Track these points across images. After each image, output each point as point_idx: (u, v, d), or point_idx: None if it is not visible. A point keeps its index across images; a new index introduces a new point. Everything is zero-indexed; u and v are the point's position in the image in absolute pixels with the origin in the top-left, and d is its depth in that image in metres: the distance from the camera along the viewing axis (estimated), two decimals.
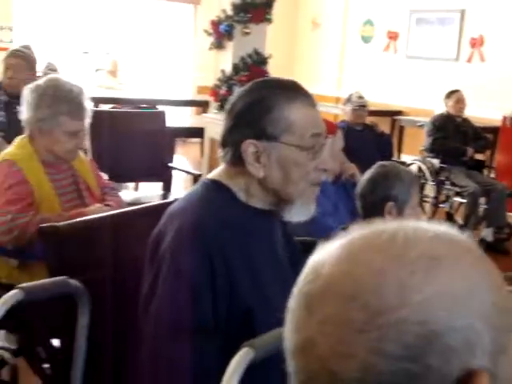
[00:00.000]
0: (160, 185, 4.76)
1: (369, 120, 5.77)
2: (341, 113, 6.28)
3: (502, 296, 0.60)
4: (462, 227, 5.25)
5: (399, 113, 8.87)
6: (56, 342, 2.02)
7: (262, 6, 6.30)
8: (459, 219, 5.91)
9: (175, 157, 5.23)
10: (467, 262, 0.61)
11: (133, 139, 4.52)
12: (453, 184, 5.87)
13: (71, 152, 2.57)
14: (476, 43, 8.07)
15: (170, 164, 4.76)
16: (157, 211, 1.72)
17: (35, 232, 2.13)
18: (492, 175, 6.64)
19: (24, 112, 2.54)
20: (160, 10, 10.21)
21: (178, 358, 1.41)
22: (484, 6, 7.93)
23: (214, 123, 6.08)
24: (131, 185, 5.61)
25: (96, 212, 2.33)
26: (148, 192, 5.19)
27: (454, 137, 5.93)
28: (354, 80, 9.43)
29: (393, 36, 9.19)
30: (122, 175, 4.30)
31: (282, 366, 0.65)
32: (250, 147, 1.48)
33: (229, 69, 6.41)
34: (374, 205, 2.29)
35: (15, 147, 2.56)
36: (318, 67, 10.19)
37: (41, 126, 2.50)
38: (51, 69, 6.46)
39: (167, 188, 4.67)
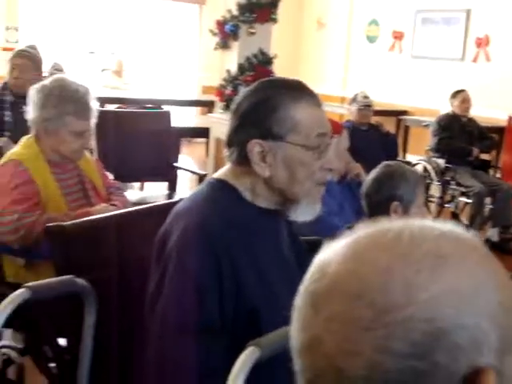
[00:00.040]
0: (165, 185, 4.77)
1: (374, 120, 5.77)
2: (346, 113, 6.28)
3: (508, 295, 0.60)
4: (467, 227, 5.24)
5: (404, 113, 8.86)
6: (62, 342, 2.03)
7: (267, 6, 6.30)
8: (464, 219, 5.91)
9: (180, 157, 5.23)
10: (473, 261, 0.61)
11: (138, 139, 4.53)
12: (458, 184, 5.86)
13: (77, 152, 2.58)
14: (482, 43, 8.06)
15: (175, 164, 4.77)
16: (162, 211, 1.72)
17: (41, 231, 2.14)
18: (498, 175, 6.64)
19: (30, 112, 2.55)
20: (165, 9, 10.22)
21: (183, 358, 1.41)
22: (490, 5, 7.92)
23: (220, 123, 6.08)
24: (136, 184, 5.62)
25: (102, 212, 2.33)
26: (153, 192, 5.20)
27: (460, 137, 5.92)
28: (360, 80, 9.43)
29: (398, 36, 9.18)
30: (127, 175, 4.30)
31: (288, 365, 0.66)
32: (255, 147, 1.48)
33: (234, 69, 6.41)
34: (379, 204, 2.29)
35: (21, 147, 2.57)
36: (324, 67, 10.19)
37: (47, 125, 2.50)
38: (57, 69, 6.48)
39: (172, 188, 4.67)
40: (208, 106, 8.49)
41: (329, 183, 1.97)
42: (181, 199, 1.63)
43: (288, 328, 0.65)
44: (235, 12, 6.31)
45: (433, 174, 6.04)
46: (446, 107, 6.30)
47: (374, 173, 2.40)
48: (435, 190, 6.09)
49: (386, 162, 2.43)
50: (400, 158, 6.56)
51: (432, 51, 8.65)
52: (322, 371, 0.59)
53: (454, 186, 5.91)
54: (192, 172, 4.97)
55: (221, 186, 1.55)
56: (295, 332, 0.63)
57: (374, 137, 5.38)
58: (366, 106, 5.42)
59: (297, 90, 1.53)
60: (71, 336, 1.91)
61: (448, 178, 5.95)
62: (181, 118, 7.45)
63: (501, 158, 7.30)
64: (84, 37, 9.69)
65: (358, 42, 9.80)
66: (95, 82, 8.60)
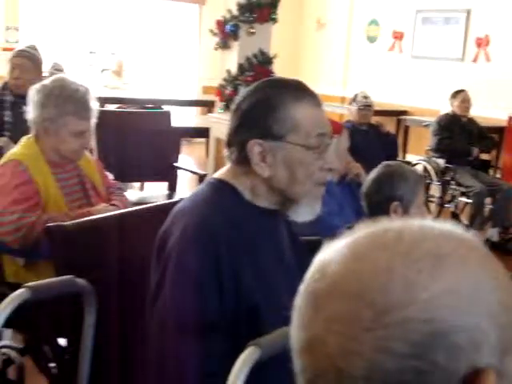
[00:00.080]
0: (165, 185, 4.77)
1: (374, 120, 5.77)
2: (346, 113, 6.28)
3: (508, 295, 0.60)
4: (467, 227, 5.25)
5: (404, 113, 8.87)
6: (62, 342, 2.03)
7: (267, 6, 6.30)
8: (464, 219, 5.91)
9: (180, 157, 5.23)
10: (473, 261, 0.61)
11: (138, 139, 4.53)
12: (458, 184, 5.86)
13: (77, 152, 2.58)
14: (482, 43, 8.07)
15: (175, 164, 4.77)
16: (162, 211, 1.72)
17: (41, 231, 2.14)
18: (498, 175, 6.64)
19: (30, 112, 2.55)
20: (165, 9, 10.22)
21: (184, 357, 1.41)
22: (490, 5, 7.92)
23: (220, 123, 6.09)
24: (136, 184, 5.62)
25: (102, 212, 2.34)
26: (153, 192, 5.20)
27: (460, 137, 5.92)
28: (360, 80, 9.43)
29: (398, 36, 9.19)
30: (127, 175, 4.30)
31: (288, 365, 0.66)
32: (255, 147, 1.48)
33: (234, 69, 6.41)
34: (379, 204, 2.29)
35: (21, 147, 2.57)
36: (323, 67, 10.19)
37: (47, 125, 2.50)
38: (57, 69, 6.48)
39: (172, 188, 4.67)
40: (208, 105, 8.50)
41: (329, 183, 1.97)
42: (181, 199, 1.63)
43: (288, 328, 0.65)
44: (235, 12, 6.31)
45: (433, 174, 6.04)
46: (446, 107, 6.30)
47: (373, 173, 2.40)
48: (435, 190, 6.10)
49: (386, 162, 2.43)
50: (400, 158, 6.57)
51: (432, 51, 8.66)
52: (322, 371, 0.59)
53: (454, 186, 5.91)
54: (192, 172, 4.97)
55: (221, 185, 1.55)
56: (295, 332, 0.64)
57: (373, 137, 5.38)
58: (366, 106, 5.43)
59: (297, 90, 1.53)
60: (71, 336, 1.91)
61: (448, 178, 5.95)
62: (181, 117, 7.45)
63: (501, 157, 7.30)
64: (84, 37, 9.69)
65: (358, 42, 9.81)
66: (95, 82, 8.60)
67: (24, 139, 2.60)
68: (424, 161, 6.23)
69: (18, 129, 3.44)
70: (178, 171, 4.77)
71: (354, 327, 0.57)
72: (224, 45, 6.51)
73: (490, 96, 7.53)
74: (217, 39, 6.57)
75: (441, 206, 6.08)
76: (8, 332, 2.41)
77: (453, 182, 5.92)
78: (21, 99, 3.41)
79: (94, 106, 2.60)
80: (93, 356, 1.82)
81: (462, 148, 5.90)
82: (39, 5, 9.18)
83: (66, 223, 1.90)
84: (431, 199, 6.14)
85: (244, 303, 1.44)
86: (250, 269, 1.46)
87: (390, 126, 7.38)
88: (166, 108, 6.51)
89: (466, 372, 0.56)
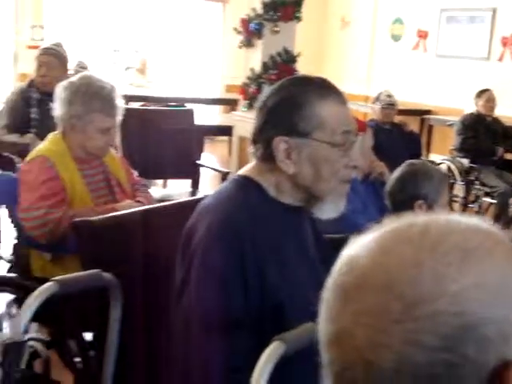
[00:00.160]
0: (188, 182, 4.79)
1: (398, 119, 5.75)
2: (370, 111, 6.26)
3: None
4: None
5: (428, 112, 8.81)
6: (88, 336, 2.05)
7: (291, 4, 6.31)
8: (488, 220, 5.85)
9: (203, 155, 5.25)
10: (500, 254, 0.61)
11: (162, 137, 4.55)
12: (482, 184, 5.82)
13: (102, 149, 2.61)
14: (507, 42, 7.98)
15: (198, 162, 4.79)
16: (186, 207, 1.74)
17: (68, 226, 2.16)
18: None
19: (57, 109, 2.57)
20: (189, 8, 10.25)
21: (209, 354, 1.42)
22: None
23: (244, 121, 6.09)
24: (160, 182, 5.65)
25: (127, 208, 2.36)
26: (176, 189, 5.22)
27: (484, 136, 5.88)
28: (384, 79, 9.39)
29: (423, 35, 9.13)
30: (150, 172, 4.32)
31: (312, 360, 0.66)
32: (281, 144, 1.49)
33: (258, 67, 6.42)
34: (403, 203, 2.29)
35: (48, 143, 2.60)
36: (347, 65, 10.16)
37: (74, 122, 2.53)
38: (82, 67, 6.52)
39: (195, 185, 4.69)
40: (231, 104, 8.52)
41: (353, 181, 1.97)
42: (205, 196, 1.64)
43: (313, 323, 0.66)
44: (259, 10, 6.32)
45: (457, 174, 6.00)
46: (470, 107, 6.25)
47: (397, 171, 2.39)
48: (459, 189, 6.05)
49: (410, 161, 2.42)
50: (423, 157, 6.52)
51: (457, 50, 8.59)
52: (350, 364, 0.60)
53: (478, 186, 5.87)
54: (215, 170, 4.98)
55: (245, 182, 1.56)
56: (323, 325, 0.64)
57: (397, 136, 5.36)
58: (390, 105, 5.41)
59: (322, 88, 1.53)
60: (97, 330, 1.93)
61: (472, 178, 5.91)
62: (204, 116, 7.47)
63: None
64: (108, 35, 9.76)
65: (382, 41, 9.76)
66: (119, 80, 8.66)
67: (51, 136, 2.63)
68: (448, 160, 6.19)
69: (45, 126, 3.48)
70: (201, 169, 4.79)
71: (382, 319, 0.58)
72: (248, 43, 6.53)
73: None
74: (241, 37, 6.59)
75: (464, 206, 6.04)
76: (34, 325, 2.44)
77: (477, 182, 5.87)
78: (47, 96, 3.45)
79: (120, 103, 2.62)
80: (118, 351, 1.84)
81: (486, 148, 5.85)
82: (63, 3, 9.26)
83: (92, 218, 1.93)
84: (455, 199, 6.09)
85: (269, 301, 1.44)
86: (274, 266, 1.47)
87: (413, 125, 7.33)
88: (189, 106, 6.53)
89: (496, 364, 0.57)
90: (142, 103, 7.22)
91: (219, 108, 10.02)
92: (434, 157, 7.57)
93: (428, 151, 8.19)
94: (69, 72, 4.24)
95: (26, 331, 1.81)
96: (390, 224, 0.65)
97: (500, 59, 8.09)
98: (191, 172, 4.69)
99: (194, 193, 4.57)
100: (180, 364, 1.49)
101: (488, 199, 5.85)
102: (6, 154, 3.40)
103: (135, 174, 2.90)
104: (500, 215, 5.59)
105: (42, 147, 2.60)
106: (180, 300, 1.48)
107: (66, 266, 2.35)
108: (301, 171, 1.51)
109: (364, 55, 9.97)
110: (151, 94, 8.33)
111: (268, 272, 1.45)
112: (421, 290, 0.57)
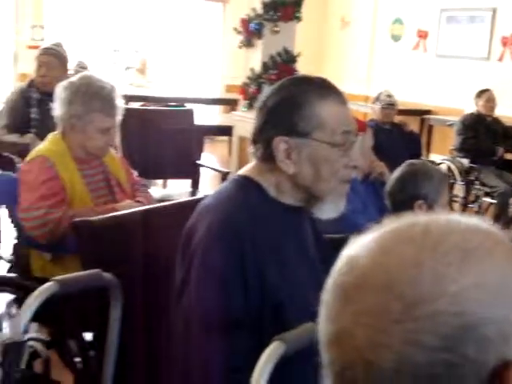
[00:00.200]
0: (188, 182, 4.79)
1: (398, 119, 5.75)
2: (370, 111, 6.26)
3: None
4: None
5: (428, 112, 8.81)
6: (88, 336, 2.05)
7: (291, 5, 6.31)
8: (488, 220, 5.85)
9: (203, 155, 5.25)
10: (499, 254, 0.61)
11: (161, 137, 4.55)
12: (482, 184, 5.82)
13: (102, 148, 2.61)
14: (507, 42, 7.98)
15: (198, 162, 4.79)
16: (186, 207, 1.74)
17: (68, 226, 2.16)
18: None
19: (57, 109, 2.57)
20: (189, 8, 10.25)
21: (209, 353, 1.42)
22: None
23: (244, 121, 6.09)
24: (159, 182, 5.65)
25: (126, 208, 2.36)
26: (176, 189, 5.22)
27: (484, 136, 5.88)
28: (384, 79, 9.38)
29: (423, 35, 9.12)
30: (150, 172, 4.32)
31: (312, 360, 0.66)
32: (281, 144, 1.49)
33: (258, 67, 6.42)
34: (403, 203, 2.29)
35: (48, 143, 2.60)
36: (347, 65, 10.16)
37: (74, 122, 2.53)
38: (82, 67, 6.53)
39: (195, 185, 4.69)
40: (231, 104, 8.52)
41: (353, 181, 1.97)
42: (205, 196, 1.64)
43: (313, 323, 0.66)
44: (259, 10, 6.32)
45: (457, 174, 6.00)
46: (470, 107, 6.25)
47: (397, 171, 2.39)
48: (459, 189, 6.06)
49: (410, 161, 2.42)
50: (423, 157, 6.52)
51: (457, 50, 8.59)
52: (350, 364, 0.60)
53: (478, 186, 5.87)
54: (215, 170, 4.98)
55: (245, 182, 1.56)
56: (323, 325, 0.64)
57: (397, 136, 5.36)
58: (390, 105, 5.41)
59: (322, 88, 1.53)
60: (97, 330, 1.93)
61: (472, 178, 5.91)
62: (204, 116, 7.47)
63: None
64: (108, 35, 9.75)
65: (382, 41, 9.76)
66: (119, 80, 8.65)
67: (51, 136, 2.63)
68: (448, 160, 6.19)
69: (45, 126, 3.48)
70: (201, 169, 4.79)
71: (382, 319, 0.58)
72: (248, 43, 6.53)
73: None
74: (241, 37, 6.59)
75: (464, 206, 6.04)
76: (34, 325, 2.44)
77: (477, 182, 5.88)
78: (47, 96, 3.44)
79: (120, 103, 2.62)
80: (118, 351, 1.84)
81: (486, 148, 5.85)
82: (63, 3, 9.26)
83: (92, 218, 1.93)
84: (455, 199, 6.09)
85: (269, 301, 1.44)
86: (274, 266, 1.47)
87: (413, 125, 7.33)
88: (189, 106, 6.53)
89: (496, 364, 0.57)
90: (141, 103, 7.22)
91: (219, 108, 10.02)
92: (434, 157, 7.57)
93: (428, 151, 8.19)
94: (69, 72, 4.24)
95: (25, 331, 1.81)
96: (390, 224, 0.65)
97: (500, 59, 8.09)
98: (191, 172, 4.69)
99: (194, 193, 4.56)
100: (180, 364, 1.49)
101: (488, 199, 5.85)
102: (6, 153, 3.41)
103: (135, 173, 2.90)
104: (500, 215, 5.59)
105: (41, 147, 2.60)
106: (180, 300, 1.48)
107: (66, 266, 2.35)
108: (301, 171, 1.51)
109: (364, 55, 9.97)
110: (151, 94, 8.33)
111: (268, 272, 1.45)
112: (421, 290, 0.57)
